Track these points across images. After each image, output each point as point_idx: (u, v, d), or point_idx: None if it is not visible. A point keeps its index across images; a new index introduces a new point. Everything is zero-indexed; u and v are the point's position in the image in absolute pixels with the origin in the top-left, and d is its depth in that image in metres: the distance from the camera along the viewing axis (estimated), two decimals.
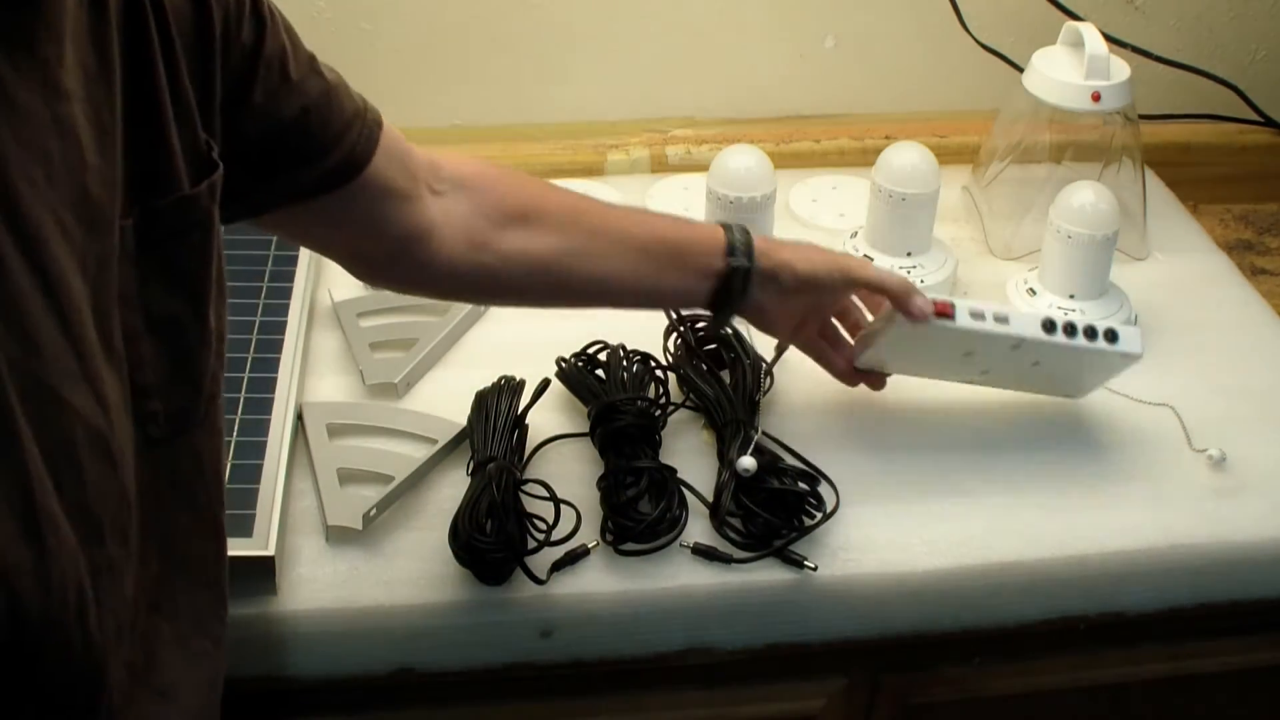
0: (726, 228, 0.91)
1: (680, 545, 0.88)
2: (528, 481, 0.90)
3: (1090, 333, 0.94)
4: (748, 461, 0.89)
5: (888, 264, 1.12)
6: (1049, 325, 0.93)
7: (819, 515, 0.89)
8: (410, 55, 1.29)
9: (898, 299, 0.90)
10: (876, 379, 0.99)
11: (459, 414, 0.96)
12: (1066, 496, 0.94)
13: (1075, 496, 0.94)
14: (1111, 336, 0.95)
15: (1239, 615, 0.96)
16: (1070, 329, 0.93)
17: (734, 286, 0.89)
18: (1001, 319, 0.92)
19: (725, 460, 0.91)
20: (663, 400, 0.98)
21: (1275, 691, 1.05)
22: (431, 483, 0.94)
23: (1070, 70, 1.14)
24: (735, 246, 0.89)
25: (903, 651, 0.93)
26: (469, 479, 0.91)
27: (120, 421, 0.58)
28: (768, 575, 0.88)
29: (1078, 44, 1.14)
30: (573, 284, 0.88)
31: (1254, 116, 1.39)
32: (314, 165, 0.74)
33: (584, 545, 0.88)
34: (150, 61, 0.60)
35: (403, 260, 0.83)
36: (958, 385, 1.01)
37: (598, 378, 0.99)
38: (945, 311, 0.90)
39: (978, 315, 0.91)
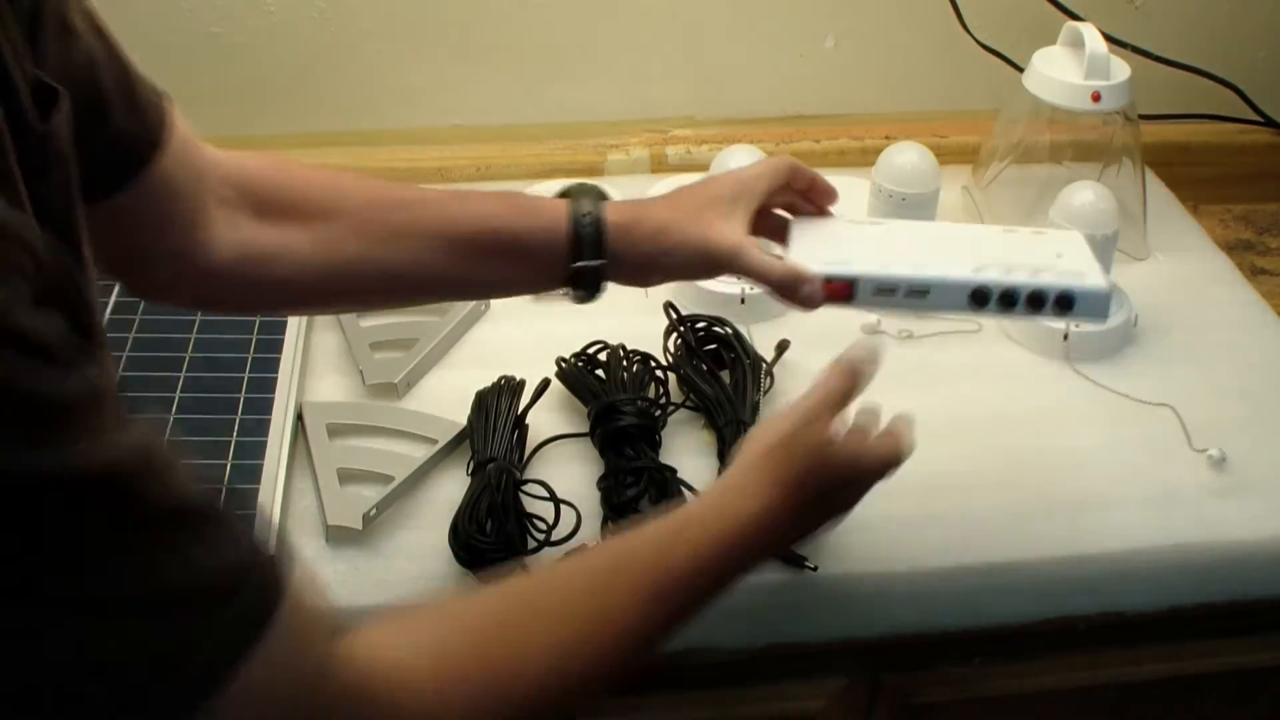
0: (578, 223, 0.80)
1: None
2: (528, 481, 0.90)
3: (1036, 301, 0.77)
4: None
5: None
6: (980, 296, 0.77)
7: None
8: (410, 55, 1.29)
9: (782, 293, 0.80)
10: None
11: (459, 414, 0.96)
12: (1066, 496, 0.94)
13: (1075, 496, 0.94)
14: (1065, 303, 0.77)
15: (1239, 615, 0.96)
16: (1009, 298, 0.76)
17: (584, 285, 0.81)
18: (919, 291, 0.77)
19: (725, 460, 0.91)
20: (663, 400, 0.98)
21: (1275, 691, 1.05)
22: (431, 483, 0.94)
23: (1070, 70, 1.14)
24: (583, 239, 0.80)
25: (903, 651, 0.93)
26: (469, 479, 0.91)
27: None
28: (768, 575, 0.87)
29: (1078, 44, 1.14)
30: (376, 281, 0.80)
31: (1254, 116, 1.39)
32: (107, 137, 0.67)
33: (584, 545, 0.87)
34: None
35: (183, 265, 0.75)
36: (957, 385, 1.01)
37: (598, 378, 0.99)
38: (839, 294, 0.78)
39: (886, 290, 0.78)
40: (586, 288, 0.81)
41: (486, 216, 0.81)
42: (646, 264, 0.81)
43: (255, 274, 0.77)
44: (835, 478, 0.77)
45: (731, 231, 0.80)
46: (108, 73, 0.67)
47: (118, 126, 0.68)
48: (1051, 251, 0.81)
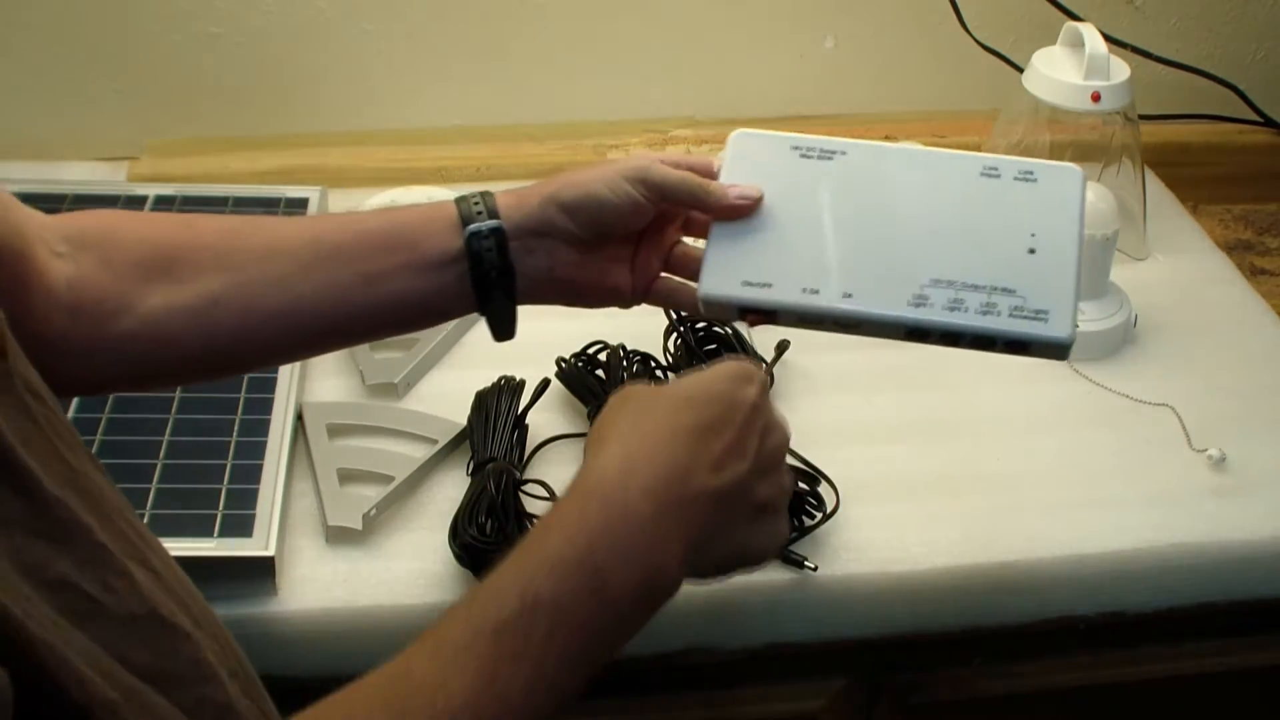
0: (460, 199, 0.72)
1: None
2: (528, 481, 0.90)
3: (982, 342, 0.67)
4: None
5: None
6: (918, 333, 0.67)
7: (819, 515, 0.89)
8: (410, 55, 1.29)
9: (698, 204, 0.70)
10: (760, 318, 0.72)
11: (459, 414, 0.96)
12: (1066, 496, 0.94)
13: (1075, 496, 0.94)
14: (1016, 347, 0.67)
15: (1239, 615, 0.96)
16: (950, 337, 0.66)
17: (486, 262, 0.70)
18: (847, 324, 0.67)
19: None
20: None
21: (1275, 691, 1.05)
22: (431, 483, 0.94)
23: (1070, 70, 1.14)
24: (470, 213, 0.70)
25: (903, 651, 0.93)
26: (469, 479, 0.91)
27: None
28: (768, 575, 0.87)
29: (1078, 44, 1.14)
30: (253, 332, 0.69)
31: (1254, 116, 1.39)
32: None
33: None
34: None
35: (27, 344, 0.59)
36: (957, 385, 1.01)
37: (598, 378, 0.99)
38: (759, 320, 0.70)
39: (810, 320, 0.68)
40: (489, 276, 0.70)
41: (357, 218, 0.73)
42: (547, 208, 0.71)
43: (112, 338, 0.67)
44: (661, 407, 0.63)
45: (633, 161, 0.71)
46: None
47: None
48: (1024, 238, 0.67)
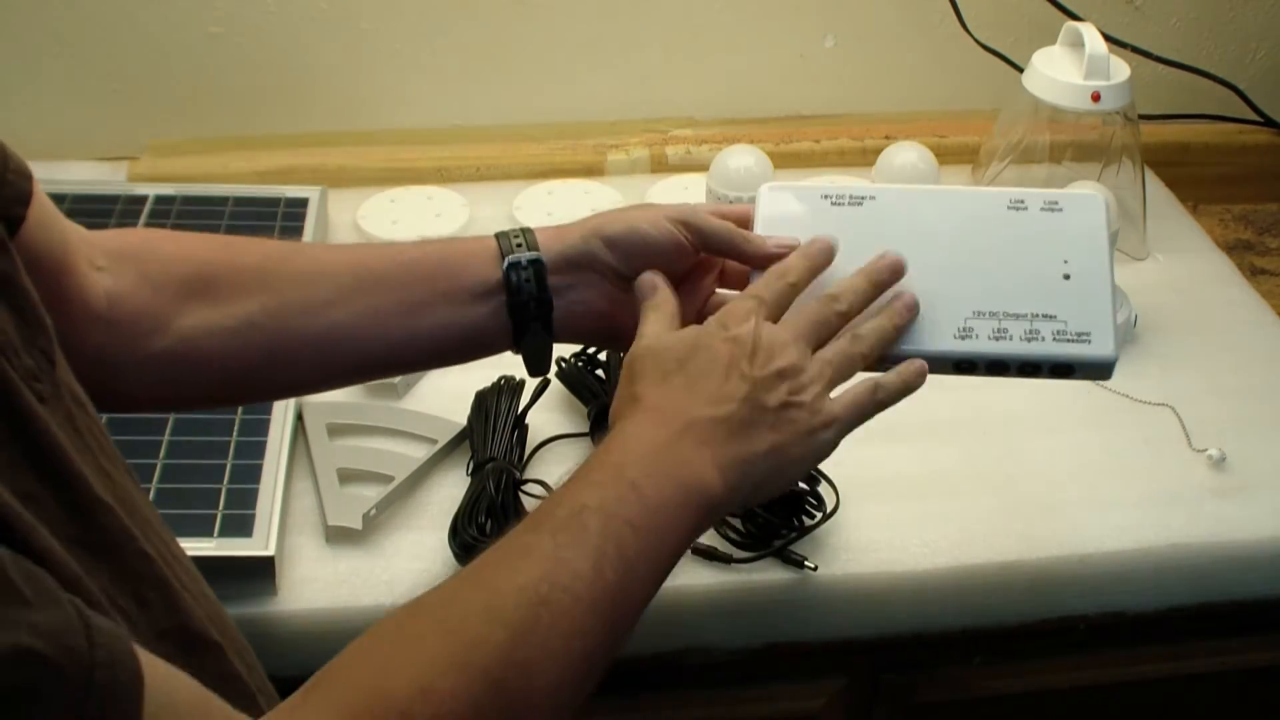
0: (500, 234, 0.72)
1: None
2: (527, 481, 0.90)
3: (1029, 369, 0.68)
4: None
5: None
6: (965, 365, 0.69)
7: (819, 515, 0.89)
8: (410, 55, 1.29)
9: (737, 253, 0.71)
10: None
11: (459, 414, 0.96)
12: (1066, 496, 0.94)
13: (1075, 496, 0.94)
14: (1063, 370, 0.68)
15: (1239, 615, 0.96)
16: (997, 367, 0.68)
17: (524, 293, 0.70)
18: (897, 360, 0.68)
19: None
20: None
21: (1275, 691, 1.05)
22: (431, 483, 0.94)
23: (1070, 70, 1.14)
24: (509, 245, 0.71)
25: (903, 651, 0.93)
26: (469, 479, 0.91)
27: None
28: (768, 575, 0.88)
29: (1078, 44, 1.15)
30: (290, 357, 0.69)
31: (1254, 116, 1.39)
32: None
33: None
34: None
35: (67, 360, 0.60)
36: (957, 385, 1.01)
37: (598, 378, 0.99)
38: None
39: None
40: (527, 307, 0.71)
41: (399, 248, 0.74)
42: (586, 259, 0.71)
43: (149, 355, 0.67)
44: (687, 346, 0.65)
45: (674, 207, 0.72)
46: None
47: None
48: (1058, 265, 0.69)
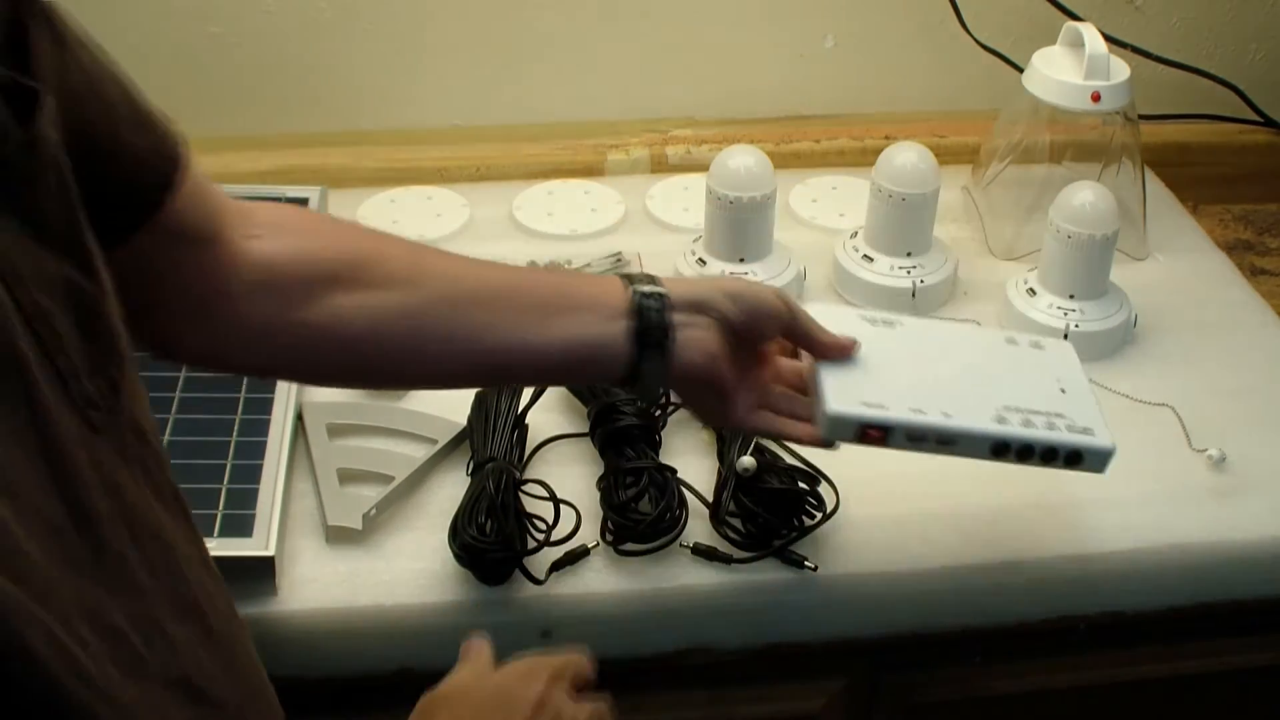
0: (623, 274, 0.78)
1: (680, 545, 0.88)
2: (528, 481, 0.90)
3: (1049, 454, 0.80)
4: (748, 461, 0.89)
5: (887, 264, 1.12)
6: (1000, 448, 0.80)
7: (819, 515, 0.89)
8: (410, 55, 1.29)
9: (812, 337, 0.80)
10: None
11: (459, 414, 0.96)
12: (1067, 496, 0.94)
13: (1075, 496, 0.94)
14: (1073, 458, 0.81)
15: (1239, 615, 0.96)
16: (1025, 451, 0.80)
17: (650, 319, 0.75)
18: (946, 440, 0.79)
19: (725, 460, 0.91)
20: (663, 400, 0.98)
21: (1275, 691, 1.05)
22: (431, 483, 0.94)
23: (1070, 70, 1.14)
24: (635, 277, 0.77)
25: (903, 651, 0.93)
26: (469, 479, 0.91)
27: (11, 443, 0.49)
28: (768, 575, 0.88)
29: (1078, 44, 1.14)
30: (435, 344, 0.73)
31: (1254, 116, 1.39)
32: (113, 179, 0.61)
33: (584, 545, 0.88)
34: None
35: (209, 321, 0.68)
36: None
37: None
38: (874, 439, 0.79)
39: (916, 438, 0.79)
40: (652, 332, 0.75)
41: (531, 269, 0.80)
42: (706, 303, 0.77)
43: (292, 324, 0.71)
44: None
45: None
46: (113, 88, 0.62)
47: (129, 148, 0.62)
48: (1054, 384, 0.84)
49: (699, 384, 0.78)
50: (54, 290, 0.52)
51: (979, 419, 0.80)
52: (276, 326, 0.71)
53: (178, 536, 0.58)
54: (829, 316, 0.82)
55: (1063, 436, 0.80)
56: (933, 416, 0.79)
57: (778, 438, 0.84)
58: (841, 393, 0.79)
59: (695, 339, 0.76)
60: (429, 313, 0.73)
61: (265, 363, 0.74)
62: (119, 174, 0.62)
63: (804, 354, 0.83)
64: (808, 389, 0.82)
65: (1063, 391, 0.84)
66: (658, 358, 0.75)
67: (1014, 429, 0.80)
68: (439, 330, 0.73)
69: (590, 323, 0.75)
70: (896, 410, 0.79)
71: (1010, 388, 0.83)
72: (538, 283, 0.78)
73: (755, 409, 0.81)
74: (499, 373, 0.79)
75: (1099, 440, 0.81)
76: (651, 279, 0.77)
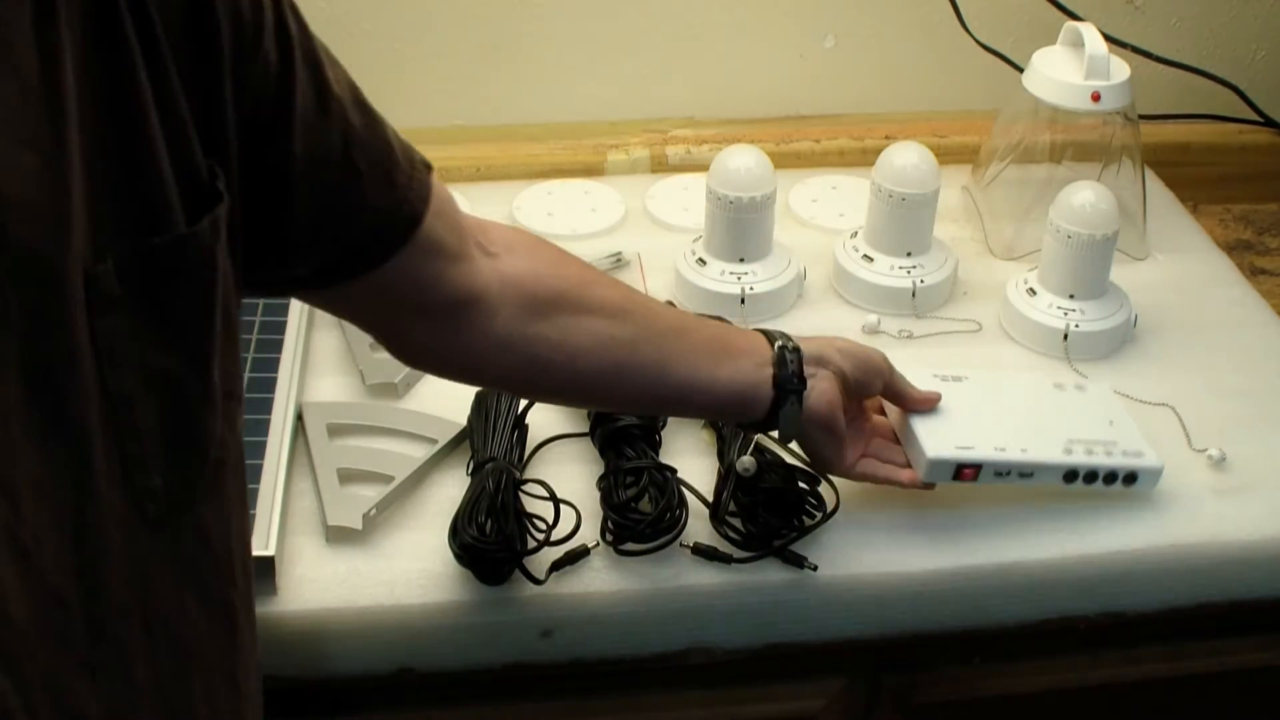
0: (761, 330, 0.88)
1: (680, 545, 0.88)
2: (527, 481, 0.90)
3: (1110, 477, 0.92)
4: (748, 461, 0.89)
5: (887, 264, 1.12)
6: (1070, 475, 0.92)
7: (819, 515, 0.89)
8: (410, 55, 1.29)
9: (906, 392, 0.91)
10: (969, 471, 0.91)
11: (459, 414, 0.96)
12: (1067, 497, 0.94)
13: (1075, 497, 0.94)
14: (1130, 479, 0.93)
15: (1239, 615, 0.96)
16: (1091, 476, 0.92)
17: (789, 369, 0.83)
18: (1026, 473, 0.91)
19: (725, 460, 0.91)
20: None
21: (1275, 691, 1.05)
22: (431, 483, 0.94)
23: (1070, 70, 1.14)
24: (773, 334, 0.86)
25: (903, 651, 0.93)
26: (469, 479, 0.91)
27: (42, 507, 0.49)
28: (768, 575, 0.88)
29: (1078, 44, 1.14)
30: (634, 372, 0.80)
31: (1254, 116, 1.39)
32: (363, 216, 0.65)
33: (584, 545, 0.88)
34: (126, 70, 0.50)
35: (452, 332, 0.74)
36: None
37: None
38: (966, 477, 0.90)
39: (1002, 473, 0.91)
40: (791, 378, 0.83)
41: (695, 319, 0.87)
42: (825, 359, 0.86)
43: (527, 339, 0.76)
44: None
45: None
46: (363, 155, 0.64)
47: (369, 216, 0.66)
48: (1103, 418, 0.96)
49: (822, 430, 0.86)
50: (150, 381, 0.53)
51: (1051, 452, 0.91)
52: (516, 339, 0.76)
53: (206, 646, 0.59)
54: (910, 377, 0.93)
55: (1121, 461, 0.92)
56: (1013, 454, 0.90)
57: (884, 483, 0.91)
58: (935, 440, 0.90)
59: (821, 389, 0.85)
60: (636, 342, 0.80)
61: (499, 374, 0.79)
62: (367, 223, 0.66)
63: (887, 408, 0.94)
64: (900, 439, 0.92)
65: (1111, 423, 0.96)
66: (795, 403, 0.84)
67: (1081, 458, 0.92)
68: (640, 359, 0.80)
69: (748, 368, 0.83)
70: (983, 451, 0.90)
71: (1069, 424, 0.94)
72: (701, 325, 0.85)
73: (861, 457, 0.90)
74: (673, 405, 0.86)
75: (1150, 461, 0.93)
76: (784, 335, 0.86)
